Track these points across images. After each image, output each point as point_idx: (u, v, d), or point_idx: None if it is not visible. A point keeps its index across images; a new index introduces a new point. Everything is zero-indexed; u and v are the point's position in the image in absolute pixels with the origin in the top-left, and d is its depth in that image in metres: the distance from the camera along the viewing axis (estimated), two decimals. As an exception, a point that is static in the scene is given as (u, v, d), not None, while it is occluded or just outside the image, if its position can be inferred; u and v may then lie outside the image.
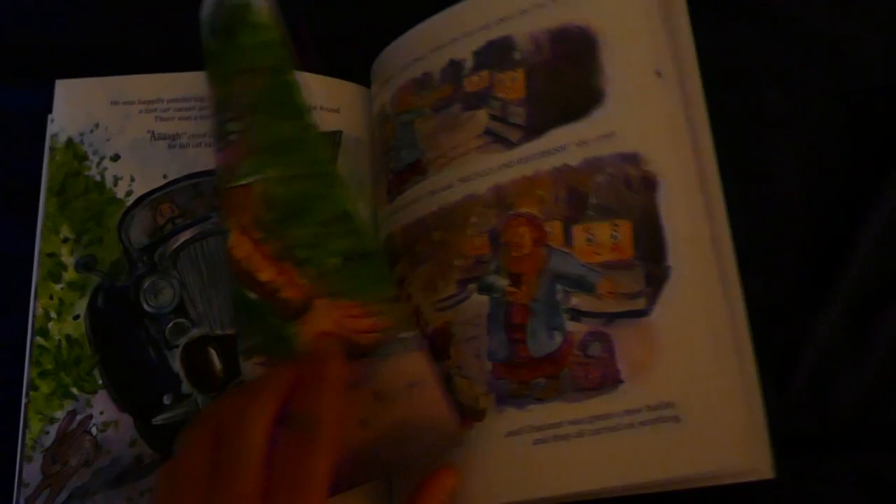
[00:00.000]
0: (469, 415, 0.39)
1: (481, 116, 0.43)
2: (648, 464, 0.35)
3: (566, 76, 0.41)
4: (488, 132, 0.42)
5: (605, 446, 0.35)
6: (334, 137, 0.51)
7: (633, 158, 0.38)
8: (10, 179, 0.51)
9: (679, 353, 0.35)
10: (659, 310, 0.36)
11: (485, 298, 0.40)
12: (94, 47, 0.55)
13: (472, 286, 0.40)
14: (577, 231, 0.39)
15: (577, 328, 0.37)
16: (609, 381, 0.36)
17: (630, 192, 0.38)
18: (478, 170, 0.42)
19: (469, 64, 0.44)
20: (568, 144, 0.40)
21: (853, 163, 0.49)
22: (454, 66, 0.44)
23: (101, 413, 0.44)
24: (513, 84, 0.42)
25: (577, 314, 0.38)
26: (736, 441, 0.34)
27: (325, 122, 0.51)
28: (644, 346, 0.36)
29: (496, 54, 0.43)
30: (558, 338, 0.38)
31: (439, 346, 0.41)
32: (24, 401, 0.45)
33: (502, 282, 0.40)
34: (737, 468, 0.34)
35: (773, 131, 0.49)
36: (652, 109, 0.39)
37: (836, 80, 0.51)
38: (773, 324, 0.44)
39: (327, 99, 0.52)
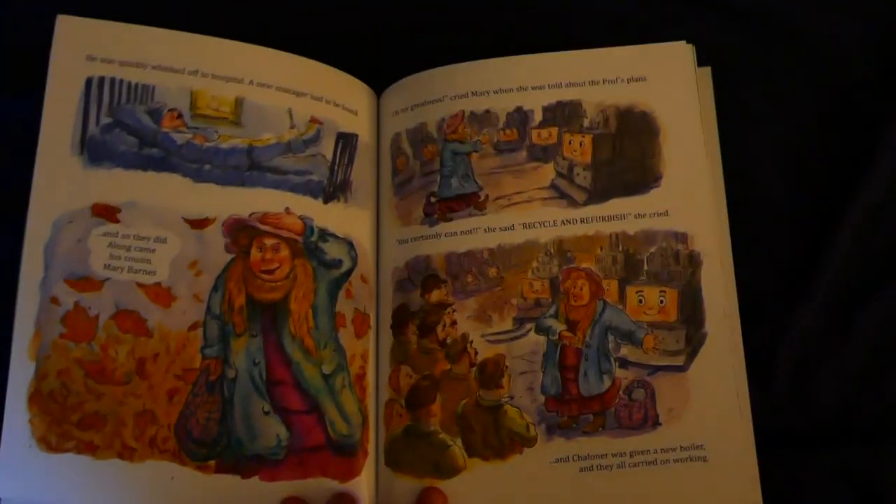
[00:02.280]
0: (519, 441, 0.44)
1: (548, 171, 0.47)
2: (680, 495, 0.43)
3: (629, 152, 0.47)
4: (554, 187, 0.47)
5: (643, 478, 0.43)
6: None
7: (682, 237, 0.45)
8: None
9: (709, 404, 0.43)
10: (695, 367, 0.44)
11: (541, 338, 0.45)
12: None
13: (530, 326, 0.45)
14: (631, 291, 0.45)
15: (624, 374, 0.44)
16: (649, 422, 0.43)
17: (677, 265, 0.45)
18: (541, 220, 0.46)
19: (537, 116, 0.48)
20: (627, 214, 0.46)
21: (833, 157, 0.49)
22: (521, 115, 0.48)
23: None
24: (581, 148, 0.47)
25: (624, 363, 0.44)
26: (752, 479, 0.43)
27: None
28: (680, 395, 0.43)
29: (565, 114, 0.47)
30: (607, 381, 0.44)
31: (491, 375, 0.45)
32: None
33: (559, 326, 0.45)
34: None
35: (755, 127, 0.50)
36: (700, 195, 0.46)
37: (816, 76, 0.51)
38: (755, 320, 0.46)
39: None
